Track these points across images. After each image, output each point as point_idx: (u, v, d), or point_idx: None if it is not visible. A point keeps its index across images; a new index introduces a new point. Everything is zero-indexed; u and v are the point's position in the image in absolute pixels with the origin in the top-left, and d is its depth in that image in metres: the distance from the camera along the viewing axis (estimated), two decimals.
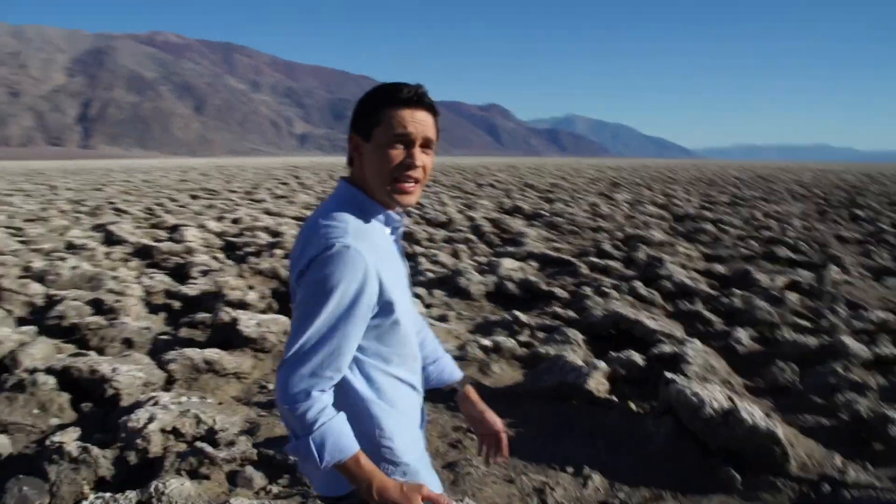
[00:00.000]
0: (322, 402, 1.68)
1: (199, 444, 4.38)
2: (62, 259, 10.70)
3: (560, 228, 15.62)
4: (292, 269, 1.82)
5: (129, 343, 6.73)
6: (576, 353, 6.01)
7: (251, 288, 8.89)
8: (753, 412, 4.19)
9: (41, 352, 6.10)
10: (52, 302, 7.91)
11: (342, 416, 1.72)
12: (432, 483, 1.89)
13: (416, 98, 1.79)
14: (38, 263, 10.15)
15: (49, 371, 5.43)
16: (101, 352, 6.46)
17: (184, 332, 7.07)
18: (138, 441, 4.32)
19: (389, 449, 1.82)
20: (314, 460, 1.66)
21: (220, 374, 5.98)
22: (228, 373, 6.01)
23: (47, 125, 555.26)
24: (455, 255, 11.93)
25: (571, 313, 7.72)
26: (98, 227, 15.09)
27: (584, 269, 10.31)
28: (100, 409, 5.17)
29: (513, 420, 4.88)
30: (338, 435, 1.67)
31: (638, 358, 5.76)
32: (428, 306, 8.48)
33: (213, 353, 6.02)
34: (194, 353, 5.96)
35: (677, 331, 6.61)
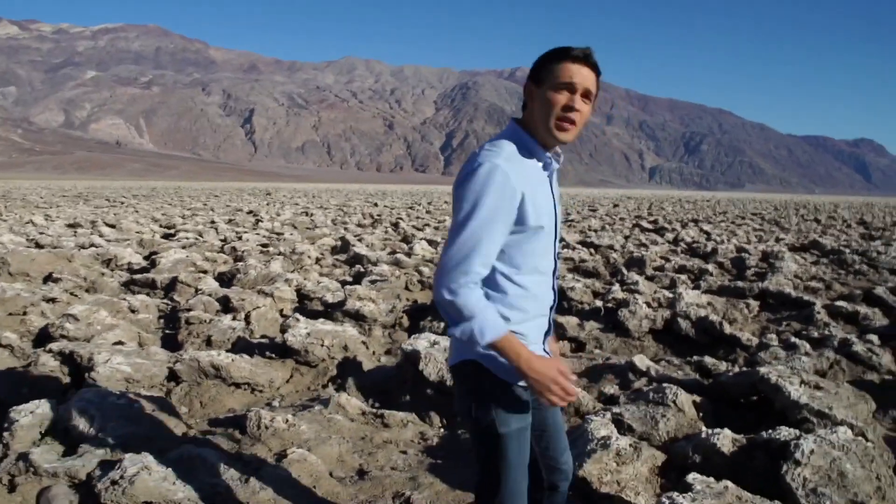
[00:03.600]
0: (477, 293, 2.04)
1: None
2: None
3: (849, 266, 12.29)
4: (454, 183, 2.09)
5: None
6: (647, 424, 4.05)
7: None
8: None
9: None
10: None
11: (493, 305, 2.07)
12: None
13: (584, 56, 2.10)
14: None
15: None
16: None
17: None
18: None
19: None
20: (477, 340, 1.99)
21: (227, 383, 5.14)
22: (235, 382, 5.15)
23: (415, 154, 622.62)
24: (672, 285, 9.82)
25: (723, 365, 5.51)
26: None
27: (823, 315, 7.63)
28: None
29: None
30: (494, 319, 2.02)
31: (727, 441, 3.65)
32: (571, 339, 6.82)
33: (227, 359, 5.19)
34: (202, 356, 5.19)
35: (841, 410, 4.18)
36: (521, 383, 2.15)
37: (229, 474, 3.43)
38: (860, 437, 3.59)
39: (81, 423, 3.99)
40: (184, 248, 13.82)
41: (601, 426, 3.81)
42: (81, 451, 3.69)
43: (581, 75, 2.08)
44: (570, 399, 2.03)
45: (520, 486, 2.22)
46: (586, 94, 2.12)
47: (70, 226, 19.07)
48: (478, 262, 2.02)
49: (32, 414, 3.94)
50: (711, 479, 3.19)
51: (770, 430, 3.70)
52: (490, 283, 2.13)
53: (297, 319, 6.20)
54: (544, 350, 2.28)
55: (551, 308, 2.30)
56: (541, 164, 2.21)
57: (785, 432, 3.65)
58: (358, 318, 7.30)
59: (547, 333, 2.31)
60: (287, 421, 4.18)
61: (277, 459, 3.69)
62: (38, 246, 13.13)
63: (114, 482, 3.18)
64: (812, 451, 3.37)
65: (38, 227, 17.60)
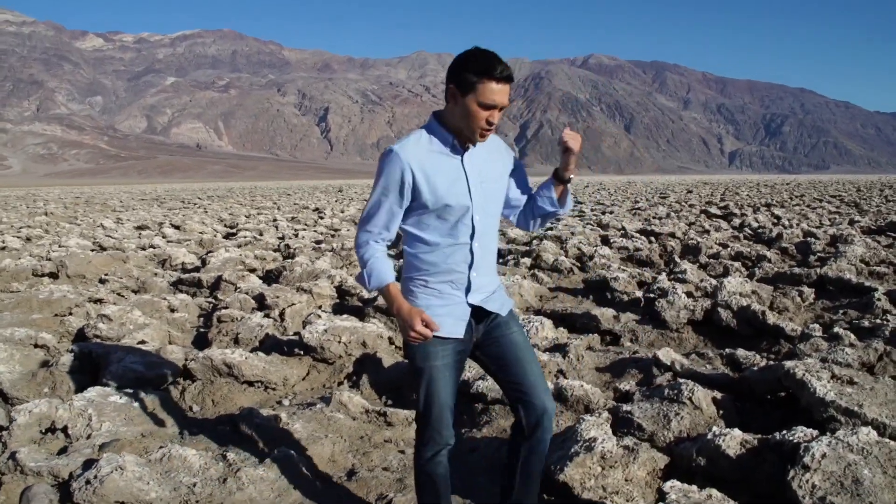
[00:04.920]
0: (373, 248, 2.60)
1: None
2: None
3: None
4: None
5: None
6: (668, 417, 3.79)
7: None
8: None
9: None
10: None
11: (385, 259, 2.61)
12: (443, 323, 2.60)
13: (506, 77, 2.44)
14: None
15: None
16: None
17: None
18: None
19: (412, 292, 2.64)
20: (366, 284, 2.59)
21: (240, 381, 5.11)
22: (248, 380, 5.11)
23: None
24: (725, 273, 9.38)
25: (756, 359, 5.16)
26: None
27: (884, 302, 7.12)
28: None
29: None
30: (380, 270, 2.58)
31: (735, 443, 3.37)
32: (605, 332, 6.56)
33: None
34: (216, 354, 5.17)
35: (874, 408, 3.80)
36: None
37: (208, 474, 3.37)
38: (887, 440, 3.25)
39: (79, 423, 4.01)
40: (239, 246, 14.05)
41: (592, 426, 3.56)
42: (70, 451, 3.70)
43: (502, 95, 2.45)
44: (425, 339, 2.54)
45: (442, 415, 2.66)
46: (502, 108, 2.48)
47: (138, 228, 19.69)
48: (375, 225, 2.58)
49: (31, 413, 3.98)
50: (693, 488, 2.94)
51: (784, 431, 3.39)
52: (407, 242, 2.65)
53: (319, 316, 6.14)
54: (467, 302, 2.65)
55: (471, 266, 2.64)
56: (449, 149, 2.59)
57: (800, 433, 3.34)
58: (388, 312, 7.20)
59: (469, 290, 2.65)
60: (280, 420, 4.10)
61: (262, 459, 3.61)
62: (102, 248, 13.57)
63: (87, 482, 3.15)
64: (824, 455, 3.06)
65: (106, 231, 18.22)
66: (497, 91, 2.42)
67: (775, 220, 18.31)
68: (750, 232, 15.20)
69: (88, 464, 3.40)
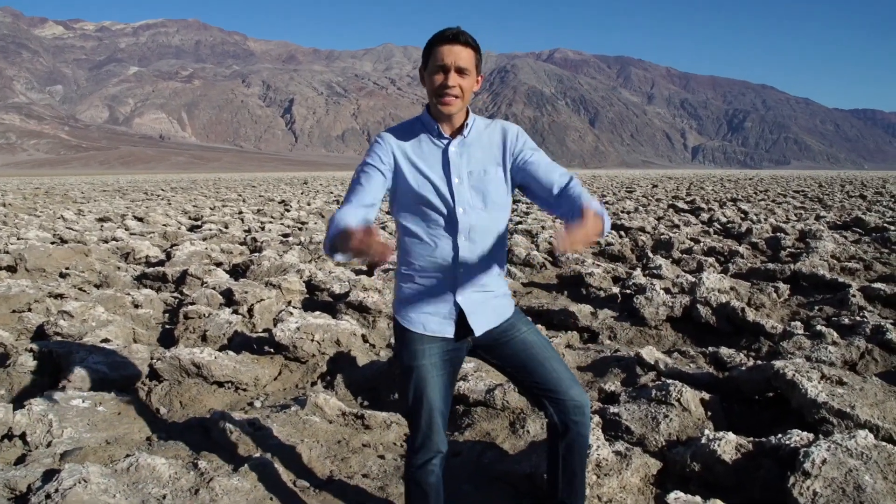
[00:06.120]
0: (341, 210, 2.37)
1: None
2: None
3: (893, 245, 11.62)
4: None
5: None
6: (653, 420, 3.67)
7: None
8: None
9: None
10: None
11: (346, 216, 2.31)
12: (428, 321, 2.53)
13: (452, 37, 2.40)
14: None
15: None
16: None
17: None
18: None
19: (399, 287, 2.61)
20: (326, 249, 2.26)
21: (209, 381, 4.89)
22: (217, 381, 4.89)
23: None
24: (699, 269, 9.35)
25: (739, 357, 5.08)
26: None
27: (858, 299, 7.11)
28: None
29: None
30: (338, 220, 2.27)
31: (729, 447, 3.26)
32: (583, 329, 6.46)
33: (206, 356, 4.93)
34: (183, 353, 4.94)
35: (866, 409, 3.73)
36: (413, 327, 2.55)
37: (179, 485, 3.17)
38: (885, 443, 3.16)
39: (38, 429, 3.77)
40: (204, 239, 13.70)
41: None
42: (28, 461, 3.46)
43: (452, 54, 2.39)
44: (385, 258, 2.09)
45: (432, 419, 2.54)
46: (460, 70, 2.42)
47: (100, 220, 19.18)
48: (353, 197, 2.45)
49: None
50: (697, 499, 2.82)
51: (780, 435, 3.29)
52: (398, 233, 2.60)
53: (290, 313, 5.93)
54: (455, 301, 2.53)
55: (455, 261, 2.51)
56: (434, 136, 2.54)
57: (796, 437, 3.25)
58: (361, 309, 7.00)
59: (456, 288, 2.52)
60: (254, 424, 3.91)
61: (236, 468, 3.41)
62: (62, 241, 13.13)
63: (48, 495, 2.93)
64: (825, 461, 2.96)
65: (66, 223, 17.70)
66: (446, 52, 2.39)
67: (743, 215, 18.43)
68: (719, 227, 15.25)
69: (49, 475, 3.18)
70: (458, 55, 2.40)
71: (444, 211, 2.48)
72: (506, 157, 2.58)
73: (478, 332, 2.55)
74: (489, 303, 2.59)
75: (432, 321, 2.53)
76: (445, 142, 2.53)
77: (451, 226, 2.49)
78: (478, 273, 2.55)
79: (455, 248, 2.50)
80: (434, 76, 2.42)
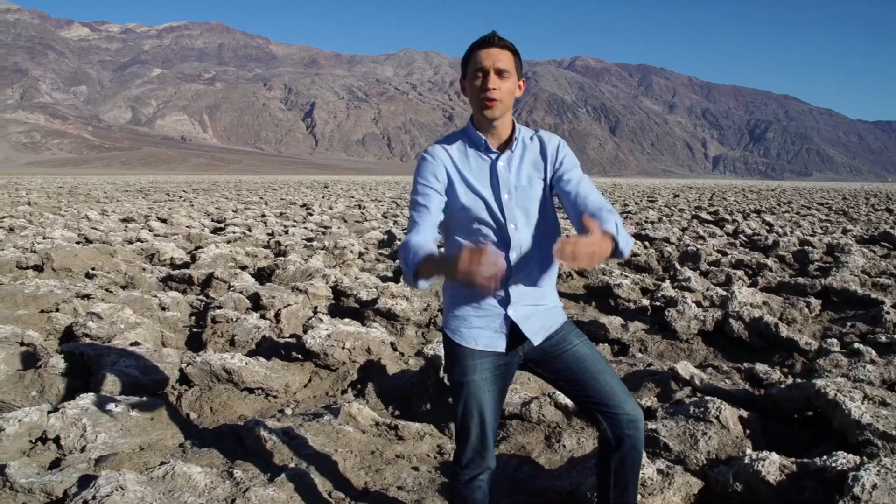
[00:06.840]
0: (414, 238, 2.32)
1: None
2: None
3: None
4: None
5: None
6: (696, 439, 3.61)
7: None
8: None
9: None
10: None
11: (423, 241, 2.30)
12: (480, 336, 2.51)
13: (489, 40, 2.39)
14: None
15: None
16: None
17: None
18: None
19: (450, 301, 2.57)
20: (409, 279, 2.26)
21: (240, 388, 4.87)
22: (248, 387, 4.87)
23: None
24: (727, 281, 9.25)
25: (776, 374, 4.98)
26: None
27: (893, 315, 6.99)
28: None
29: None
30: (415, 249, 2.24)
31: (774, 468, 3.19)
32: (613, 341, 6.39)
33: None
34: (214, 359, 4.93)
35: None
36: (465, 342, 2.51)
37: (215, 494, 3.14)
38: None
39: (72, 433, 3.77)
40: (228, 242, 13.76)
41: None
42: (63, 465, 3.46)
43: (490, 57, 2.37)
44: (495, 276, 1.95)
45: (483, 435, 2.51)
46: (499, 72, 2.38)
47: (124, 220, 19.32)
48: (420, 220, 2.40)
49: (20, 422, 3.73)
50: None
51: (825, 457, 3.22)
52: (447, 247, 2.59)
53: (321, 320, 5.92)
54: (506, 314, 2.49)
55: (508, 276, 2.45)
56: (482, 151, 2.50)
57: (842, 459, 3.17)
58: (389, 316, 6.98)
59: (508, 302, 2.48)
60: (289, 433, 3.88)
61: (272, 478, 3.38)
62: (87, 241, 13.23)
63: (85, 502, 2.92)
64: (875, 486, 2.89)
65: (91, 223, 17.83)
66: (484, 55, 2.38)
67: (768, 228, 18.24)
68: (745, 239, 15.10)
69: (85, 481, 3.16)
70: (497, 57, 2.37)
71: (495, 227, 2.45)
72: (547, 170, 2.54)
73: (535, 340, 2.51)
74: (541, 314, 2.55)
75: (483, 336, 2.49)
76: (494, 156, 2.49)
77: (503, 242, 2.46)
78: (529, 287, 2.52)
79: (506, 263, 2.45)
80: (474, 81, 2.40)
